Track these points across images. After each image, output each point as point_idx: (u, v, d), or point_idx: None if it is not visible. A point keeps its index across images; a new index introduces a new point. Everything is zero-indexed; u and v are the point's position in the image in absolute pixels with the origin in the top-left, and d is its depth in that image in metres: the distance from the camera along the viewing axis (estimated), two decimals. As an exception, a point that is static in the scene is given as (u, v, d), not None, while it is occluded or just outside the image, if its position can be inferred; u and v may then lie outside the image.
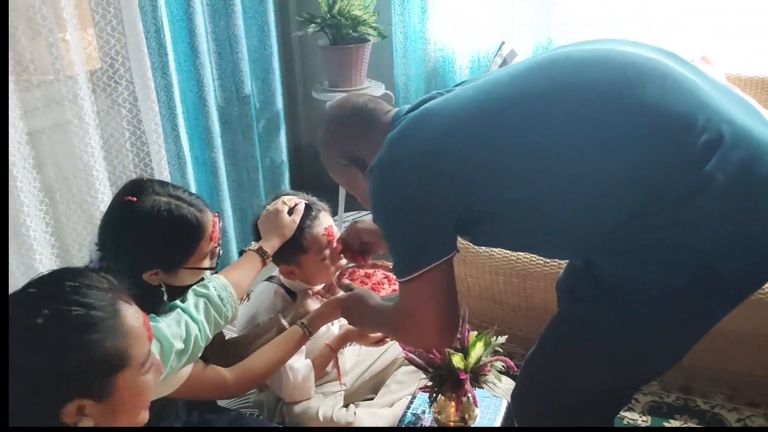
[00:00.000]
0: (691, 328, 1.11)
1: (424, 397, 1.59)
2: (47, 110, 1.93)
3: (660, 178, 1.00)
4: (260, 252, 1.50)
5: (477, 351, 1.42)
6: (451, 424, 1.47)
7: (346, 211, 3.02)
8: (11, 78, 1.78)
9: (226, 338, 1.67)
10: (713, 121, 0.99)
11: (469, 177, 1.08)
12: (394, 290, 1.54)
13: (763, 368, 1.89)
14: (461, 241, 2.05)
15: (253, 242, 1.56)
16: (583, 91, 1.05)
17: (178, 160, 2.36)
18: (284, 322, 1.59)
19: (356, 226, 1.63)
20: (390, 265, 1.59)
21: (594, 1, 2.58)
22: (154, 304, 1.29)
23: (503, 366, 1.46)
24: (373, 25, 2.68)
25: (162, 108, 2.26)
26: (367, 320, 1.40)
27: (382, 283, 1.62)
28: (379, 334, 1.72)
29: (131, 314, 0.91)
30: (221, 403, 1.69)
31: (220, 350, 1.53)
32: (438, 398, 1.47)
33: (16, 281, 1.78)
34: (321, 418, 1.64)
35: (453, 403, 1.46)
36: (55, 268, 0.97)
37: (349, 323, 1.51)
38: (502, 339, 1.48)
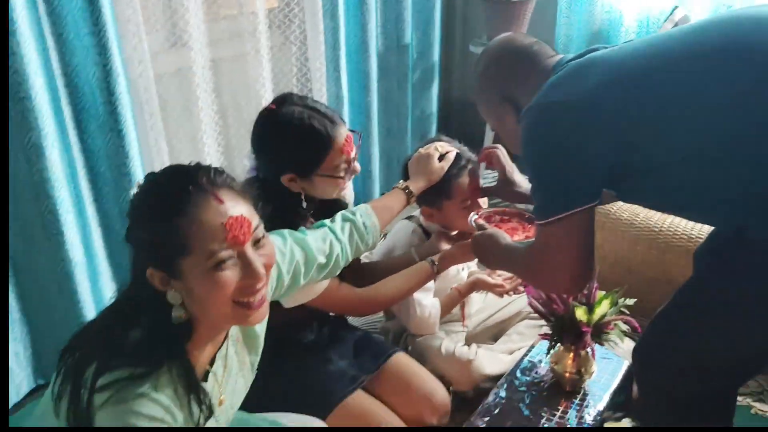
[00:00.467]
0: None
1: (543, 346, 1.63)
2: (230, 41, 2.13)
3: None
4: (406, 191, 1.59)
5: (602, 308, 1.44)
6: (567, 375, 1.50)
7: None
8: (202, 9, 1.99)
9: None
10: None
11: (627, 130, 1.09)
12: (527, 236, 1.56)
13: None
14: (605, 207, 2.03)
15: (401, 181, 1.65)
16: (754, 52, 1.03)
17: (336, 99, 2.50)
18: (416, 257, 1.68)
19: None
20: (525, 213, 1.63)
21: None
22: (294, 208, 1.44)
23: (628, 328, 1.47)
24: (541, -19, 2.64)
25: (327, 50, 2.40)
26: (498, 257, 1.44)
27: (516, 229, 1.65)
28: (507, 287, 1.78)
29: (212, 210, 0.91)
30: (352, 322, 1.83)
31: (355, 273, 1.65)
32: (557, 348, 1.50)
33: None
34: (443, 351, 1.73)
35: (571, 355, 1.49)
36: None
37: (479, 260, 1.56)
38: (630, 301, 1.48)
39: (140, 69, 1.81)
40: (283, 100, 1.44)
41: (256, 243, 0.97)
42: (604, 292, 1.48)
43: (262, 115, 1.45)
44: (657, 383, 1.25)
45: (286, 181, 1.43)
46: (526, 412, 1.48)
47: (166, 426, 0.92)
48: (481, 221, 1.59)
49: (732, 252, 1.12)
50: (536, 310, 1.52)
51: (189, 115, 2.03)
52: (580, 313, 1.42)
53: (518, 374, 1.60)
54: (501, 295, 1.81)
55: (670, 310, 1.22)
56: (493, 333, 1.94)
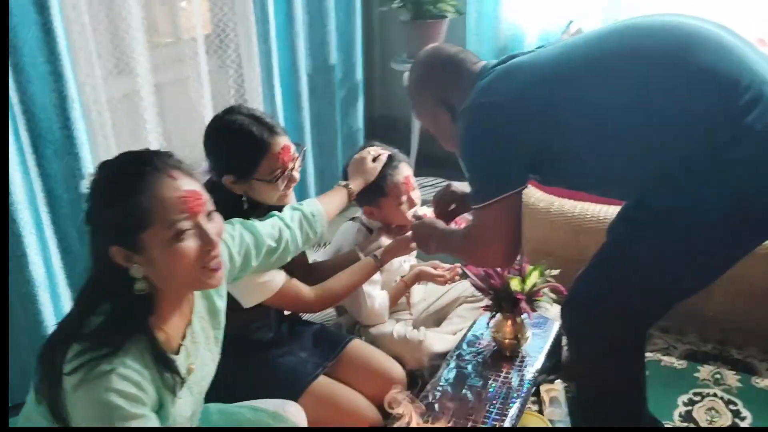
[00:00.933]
0: (724, 254, 1.31)
1: (482, 322, 1.85)
2: (172, 66, 2.26)
3: (709, 127, 1.20)
4: (347, 187, 1.77)
5: (533, 278, 1.67)
6: (506, 341, 1.72)
7: (416, 176, 3.27)
8: (144, 37, 2.11)
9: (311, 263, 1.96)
10: (756, 82, 1.20)
11: (548, 121, 1.31)
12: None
13: (796, 325, 2.06)
14: (523, 199, 2.28)
15: (341, 180, 1.83)
16: (650, 53, 1.27)
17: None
18: (360, 254, 1.86)
19: (449, 189, 1.80)
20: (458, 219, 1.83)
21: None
22: (234, 209, 1.54)
23: (555, 296, 1.70)
24: (451, 2, 2.92)
25: (262, 71, 2.56)
26: (438, 241, 1.61)
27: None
28: (447, 276, 1.98)
29: (168, 186, 1.01)
30: (307, 318, 1.98)
31: (305, 272, 1.82)
32: (496, 318, 1.72)
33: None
34: (396, 335, 1.91)
35: (509, 323, 1.70)
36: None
37: (420, 247, 1.73)
38: (555, 271, 1.71)
39: (93, 95, 1.91)
40: (231, 110, 1.58)
41: (208, 215, 1.07)
42: (532, 266, 1.71)
43: (211, 120, 1.59)
44: (583, 332, 1.45)
45: (228, 182, 1.55)
46: (475, 377, 1.68)
47: (141, 398, 0.99)
48: (419, 213, 1.78)
49: (637, 219, 1.34)
50: (477, 287, 1.73)
51: (138, 138, 2.13)
52: (515, 284, 1.64)
53: (464, 347, 1.80)
54: (443, 283, 2.01)
55: (589, 271, 1.43)
56: (436, 318, 2.14)
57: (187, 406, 1.16)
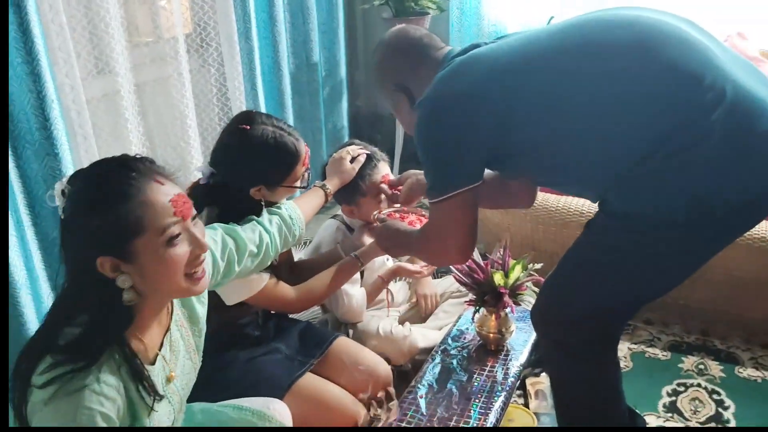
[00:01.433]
0: (687, 257, 1.28)
1: (467, 316, 1.85)
2: (152, 66, 2.24)
3: (669, 126, 1.16)
4: (323, 188, 1.77)
5: (516, 272, 1.67)
6: (491, 335, 1.72)
7: (401, 172, 3.28)
8: (123, 37, 2.10)
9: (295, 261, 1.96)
10: (719, 81, 1.16)
11: (505, 116, 1.27)
12: None
13: (777, 315, 2.08)
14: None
15: (318, 180, 1.83)
16: (610, 49, 1.23)
17: (256, 116, 2.66)
18: (341, 252, 1.86)
19: (410, 174, 1.83)
20: (421, 210, 1.83)
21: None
22: (255, 214, 1.55)
23: (538, 289, 1.70)
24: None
25: (244, 69, 2.55)
26: (398, 243, 1.60)
27: (413, 223, 1.87)
28: (422, 270, 1.98)
29: (156, 191, 1.00)
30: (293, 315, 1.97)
31: (289, 270, 1.84)
32: (480, 312, 1.72)
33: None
34: (381, 332, 1.91)
35: (493, 317, 1.71)
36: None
37: (384, 250, 1.72)
38: (538, 265, 1.72)
39: (72, 95, 1.89)
40: (252, 119, 1.56)
41: (192, 220, 1.07)
42: (515, 260, 1.71)
43: (233, 132, 1.57)
44: (553, 336, 1.44)
45: (253, 192, 1.56)
46: (460, 372, 1.68)
47: (112, 418, 0.97)
48: (382, 216, 1.79)
49: (597, 223, 1.33)
50: (461, 282, 1.74)
51: (118, 137, 2.11)
52: (498, 278, 1.65)
53: (450, 342, 1.81)
54: (420, 278, 2.02)
55: (554, 275, 1.41)
56: (421, 314, 2.15)
57: (164, 416, 1.14)
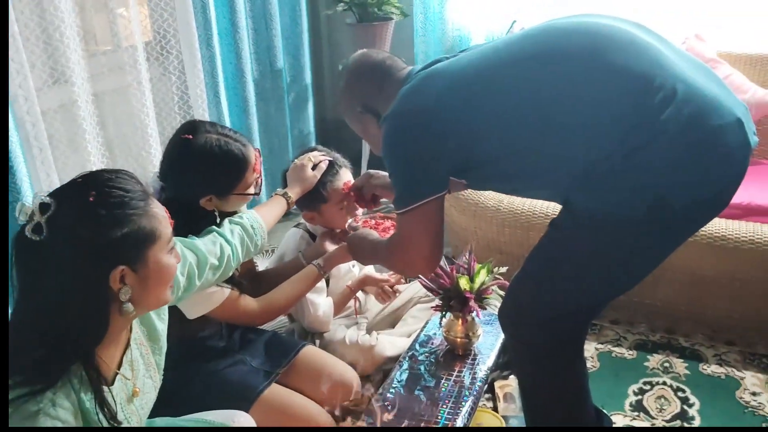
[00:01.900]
0: (649, 253, 1.31)
1: (435, 321, 1.85)
2: (111, 75, 2.20)
3: (624, 126, 1.19)
4: (285, 196, 1.76)
5: (481, 276, 1.67)
6: (458, 340, 1.72)
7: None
8: (80, 46, 2.05)
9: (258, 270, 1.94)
10: (669, 81, 1.19)
11: (467, 127, 1.30)
12: None
13: (739, 311, 2.12)
14: (474, 198, 2.31)
15: (279, 188, 1.81)
16: (564, 55, 1.27)
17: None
18: (303, 261, 1.85)
19: (369, 176, 1.85)
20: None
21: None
22: (208, 226, 1.53)
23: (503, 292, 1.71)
24: (397, 4, 2.93)
25: (206, 77, 2.53)
26: (367, 251, 1.63)
27: (388, 230, 1.86)
28: (390, 280, 1.98)
29: (156, 203, 1.08)
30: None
31: (252, 280, 1.81)
32: (447, 317, 1.72)
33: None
34: (347, 340, 1.89)
35: (459, 322, 1.71)
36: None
37: (354, 258, 1.73)
38: (503, 269, 1.72)
39: (26, 106, 1.85)
40: (195, 128, 1.53)
41: None
42: (480, 264, 1.71)
43: (177, 143, 1.54)
44: (520, 336, 1.45)
45: (204, 202, 1.53)
46: (428, 377, 1.67)
47: None
48: (355, 224, 1.78)
49: (560, 222, 1.35)
50: (427, 288, 1.73)
51: (76, 148, 2.07)
52: (464, 282, 1.65)
53: (417, 347, 1.80)
54: (391, 287, 2.01)
55: (520, 275, 1.43)
56: (390, 320, 2.13)
57: None
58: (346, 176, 1.90)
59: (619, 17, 1.36)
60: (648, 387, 1.95)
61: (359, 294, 2.05)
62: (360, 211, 1.93)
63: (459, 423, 1.51)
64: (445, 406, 1.56)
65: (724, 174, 1.22)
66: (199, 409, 1.45)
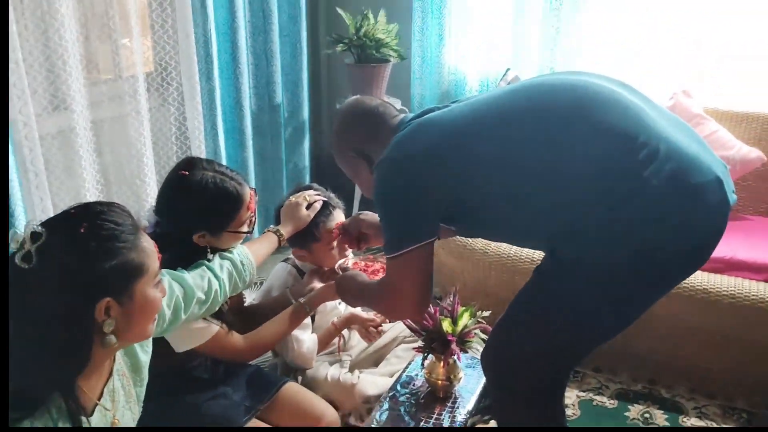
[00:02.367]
0: (631, 303, 1.34)
1: (417, 362, 1.85)
2: (110, 103, 2.24)
3: (609, 181, 1.24)
4: (277, 233, 1.78)
5: (464, 319, 1.69)
6: (439, 382, 1.73)
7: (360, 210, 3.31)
8: (82, 74, 2.10)
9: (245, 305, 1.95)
10: (653, 139, 1.24)
11: (457, 176, 1.34)
12: None
13: (719, 365, 2.13)
14: (461, 240, 2.33)
15: (272, 225, 1.83)
16: (551, 112, 1.32)
17: (215, 156, 2.66)
18: (290, 298, 1.86)
19: (358, 217, 1.87)
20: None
21: (592, 39, 2.87)
22: (196, 259, 1.54)
23: (486, 337, 1.72)
24: (395, 47, 2.99)
25: (204, 109, 2.57)
26: (355, 293, 1.64)
27: (377, 272, 1.88)
28: (375, 320, 1.99)
29: (146, 237, 1.09)
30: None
31: (239, 314, 1.82)
32: (429, 359, 1.73)
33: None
34: (329, 378, 1.89)
35: (441, 364, 1.72)
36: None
37: (343, 300, 1.75)
38: (486, 313, 1.74)
39: (25, 131, 1.88)
40: (192, 165, 1.55)
41: None
42: (464, 307, 1.73)
43: (173, 178, 1.56)
44: (501, 380, 1.46)
45: (196, 238, 1.54)
46: (407, 419, 1.68)
47: None
48: (346, 265, 1.80)
49: (545, 270, 1.38)
50: (410, 328, 1.75)
51: (72, 174, 2.10)
52: (446, 325, 1.66)
53: (399, 388, 1.80)
54: (376, 327, 2.02)
55: (504, 320, 1.45)
56: (374, 359, 2.13)
57: None
58: (339, 217, 1.92)
59: (605, 76, 1.41)
60: (627, 437, 1.95)
61: (344, 331, 2.06)
62: (350, 252, 1.95)
63: (436, 467, 1.51)
64: (422, 449, 1.56)
65: (703, 229, 1.27)
66: (180, 440, 1.45)
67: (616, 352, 2.24)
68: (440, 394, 1.75)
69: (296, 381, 1.91)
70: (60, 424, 1.01)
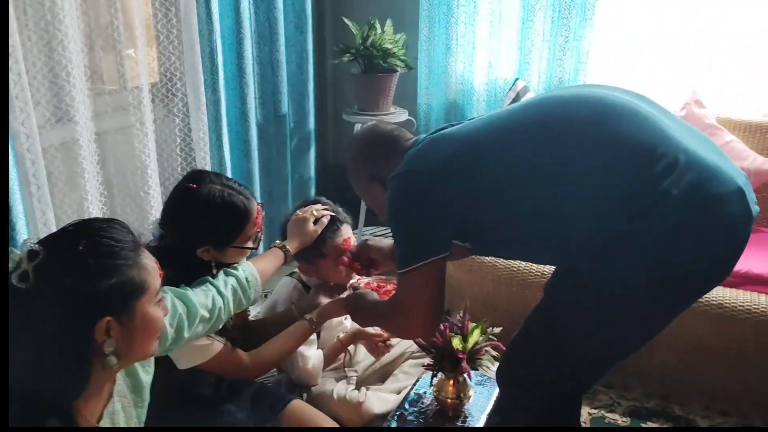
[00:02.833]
0: (651, 319, 1.31)
1: (426, 379, 1.81)
2: (115, 115, 2.22)
3: (627, 194, 1.22)
4: (283, 249, 1.74)
5: (474, 336, 1.65)
6: (449, 401, 1.69)
7: (365, 225, 3.28)
8: (86, 85, 2.07)
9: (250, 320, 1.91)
10: (671, 150, 1.22)
11: (471, 192, 1.32)
12: None
13: (734, 381, 2.08)
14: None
15: (278, 240, 1.80)
16: (568, 125, 1.30)
17: (220, 167, 2.63)
18: (296, 312, 1.82)
19: (367, 243, 1.86)
20: None
21: (600, 48, 2.84)
22: (201, 274, 1.51)
23: (498, 354, 1.68)
24: (402, 57, 2.97)
25: (209, 120, 2.54)
26: (364, 312, 1.63)
27: (389, 293, 1.85)
28: (383, 336, 1.95)
29: (147, 254, 1.06)
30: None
31: (243, 330, 1.78)
32: (438, 377, 1.69)
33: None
34: (336, 395, 1.85)
35: (451, 382, 1.68)
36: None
37: (353, 319, 1.73)
38: (497, 329, 1.70)
39: (27, 143, 1.85)
40: (200, 178, 1.53)
41: None
42: (474, 324, 1.69)
43: (180, 191, 1.53)
44: (517, 397, 1.44)
45: (200, 252, 1.51)
46: (416, 438, 1.64)
47: None
48: (357, 284, 1.77)
49: (563, 283, 1.35)
50: (419, 345, 1.71)
51: (75, 187, 2.07)
52: (456, 342, 1.62)
53: (407, 406, 1.76)
54: (384, 342, 1.97)
55: (521, 335, 1.43)
56: (381, 374, 2.09)
57: None
58: (346, 232, 1.89)
59: (621, 88, 1.39)
60: (641, 457, 1.90)
61: (350, 346, 2.02)
62: (342, 268, 1.91)
63: (446, 489, 1.47)
64: (432, 470, 1.52)
65: (725, 241, 1.24)
66: (184, 459, 1.42)
67: (628, 368, 2.19)
68: (449, 413, 1.71)
69: (301, 398, 1.87)
70: None
